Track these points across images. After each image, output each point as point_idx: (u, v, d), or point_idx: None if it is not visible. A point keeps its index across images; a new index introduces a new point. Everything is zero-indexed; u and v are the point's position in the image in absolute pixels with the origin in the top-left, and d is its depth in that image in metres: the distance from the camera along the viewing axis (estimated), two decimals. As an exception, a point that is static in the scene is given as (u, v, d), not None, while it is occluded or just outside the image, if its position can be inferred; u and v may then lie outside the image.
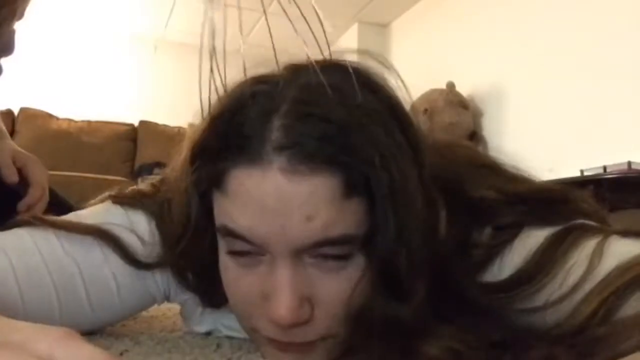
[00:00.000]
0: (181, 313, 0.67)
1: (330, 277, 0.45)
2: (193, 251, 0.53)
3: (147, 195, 0.59)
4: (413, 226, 0.45)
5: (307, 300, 0.45)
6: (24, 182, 0.93)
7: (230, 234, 0.46)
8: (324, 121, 0.43)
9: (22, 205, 0.91)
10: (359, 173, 0.43)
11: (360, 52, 0.54)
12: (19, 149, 0.98)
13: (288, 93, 0.45)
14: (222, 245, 0.48)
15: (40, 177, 0.95)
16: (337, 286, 0.46)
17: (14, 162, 0.93)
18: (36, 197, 0.93)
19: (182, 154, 0.52)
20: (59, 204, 0.96)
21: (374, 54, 0.53)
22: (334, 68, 0.47)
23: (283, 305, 0.44)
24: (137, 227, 0.56)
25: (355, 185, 0.43)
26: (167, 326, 0.72)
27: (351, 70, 0.46)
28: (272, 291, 0.45)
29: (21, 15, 0.83)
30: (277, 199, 0.43)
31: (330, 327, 0.47)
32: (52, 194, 0.98)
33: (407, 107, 0.50)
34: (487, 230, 0.52)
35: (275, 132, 0.43)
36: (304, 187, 0.42)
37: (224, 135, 0.46)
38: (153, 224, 0.57)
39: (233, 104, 0.46)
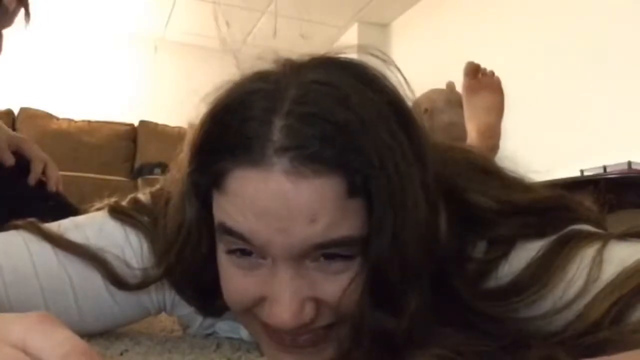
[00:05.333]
0: (179, 321, 0.67)
1: (333, 279, 0.45)
2: (188, 256, 0.51)
3: (145, 208, 0.58)
4: (410, 234, 0.43)
5: (309, 301, 0.44)
6: (23, 161, 0.98)
7: (229, 232, 0.45)
8: (325, 121, 0.42)
9: (31, 179, 0.97)
10: (361, 173, 0.42)
11: (360, 48, 0.53)
12: (9, 131, 1.02)
13: (289, 92, 0.43)
14: (221, 245, 0.47)
15: (36, 151, 1.00)
16: (340, 288, 0.45)
17: (8, 147, 0.97)
18: (40, 168, 0.98)
19: (181, 153, 0.50)
20: (62, 205, 0.97)
21: (374, 50, 0.51)
22: (334, 65, 0.46)
23: (285, 310, 0.43)
24: (131, 248, 0.56)
25: (358, 185, 0.42)
26: (167, 326, 0.72)
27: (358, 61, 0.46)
28: (274, 295, 0.44)
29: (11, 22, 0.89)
30: (280, 202, 0.41)
31: (336, 318, 0.46)
32: (58, 195, 1.00)
33: (409, 103, 0.48)
34: (482, 245, 0.51)
35: (277, 133, 0.42)
36: (307, 189, 0.41)
37: (223, 134, 0.44)
38: (147, 243, 0.55)
39: (233, 102, 0.45)
